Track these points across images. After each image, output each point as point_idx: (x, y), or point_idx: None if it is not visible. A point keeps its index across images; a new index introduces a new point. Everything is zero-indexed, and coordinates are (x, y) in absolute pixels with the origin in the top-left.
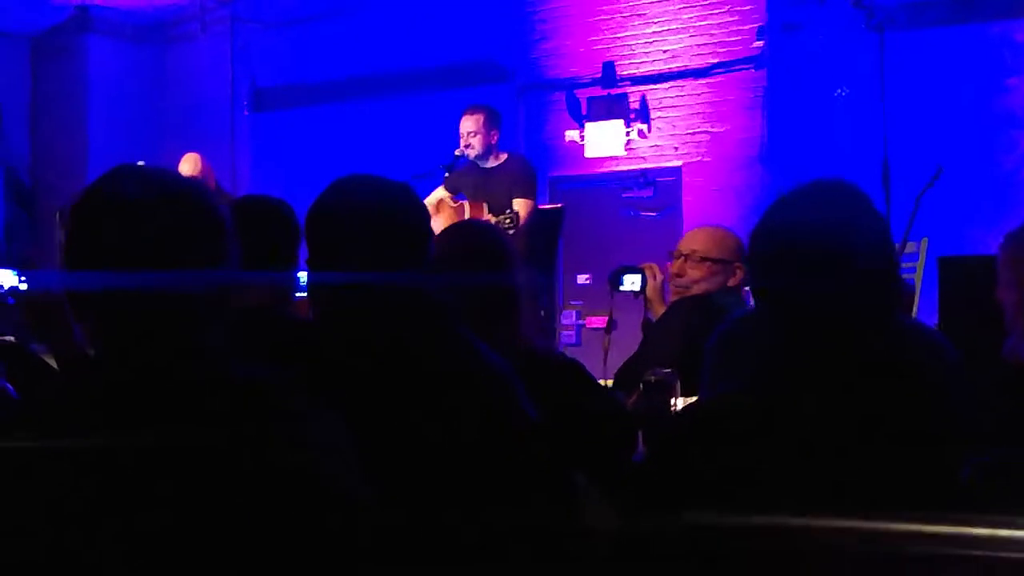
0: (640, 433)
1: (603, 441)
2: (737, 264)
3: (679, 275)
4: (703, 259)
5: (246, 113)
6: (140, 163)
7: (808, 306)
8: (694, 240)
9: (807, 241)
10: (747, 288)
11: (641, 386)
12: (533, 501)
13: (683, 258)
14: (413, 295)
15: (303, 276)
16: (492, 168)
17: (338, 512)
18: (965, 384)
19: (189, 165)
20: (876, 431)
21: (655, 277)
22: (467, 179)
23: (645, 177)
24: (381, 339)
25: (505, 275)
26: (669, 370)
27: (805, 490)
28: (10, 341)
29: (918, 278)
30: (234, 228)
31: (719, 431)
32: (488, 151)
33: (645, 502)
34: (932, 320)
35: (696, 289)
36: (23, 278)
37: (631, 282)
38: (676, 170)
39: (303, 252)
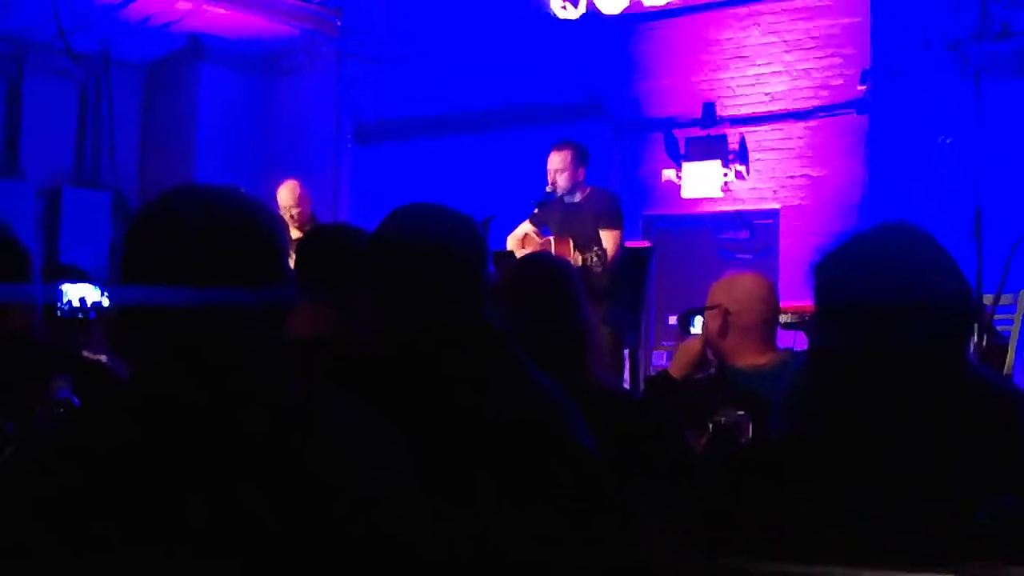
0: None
1: (667, 479)
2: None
3: None
4: None
5: (349, 146)
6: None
7: (867, 354)
8: None
9: (871, 287)
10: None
11: (711, 427)
12: (591, 534)
13: None
14: (471, 324)
15: None
16: (577, 203)
17: (392, 535)
18: None
19: (287, 192)
20: (934, 482)
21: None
22: (553, 214)
23: (742, 219)
24: (437, 367)
25: (571, 310)
26: (741, 412)
27: (861, 538)
28: (98, 359)
29: (1015, 331)
30: (309, 255)
31: (777, 474)
32: (574, 187)
33: (706, 540)
34: None
35: None
36: (106, 293)
37: (700, 324)
38: (774, 212)
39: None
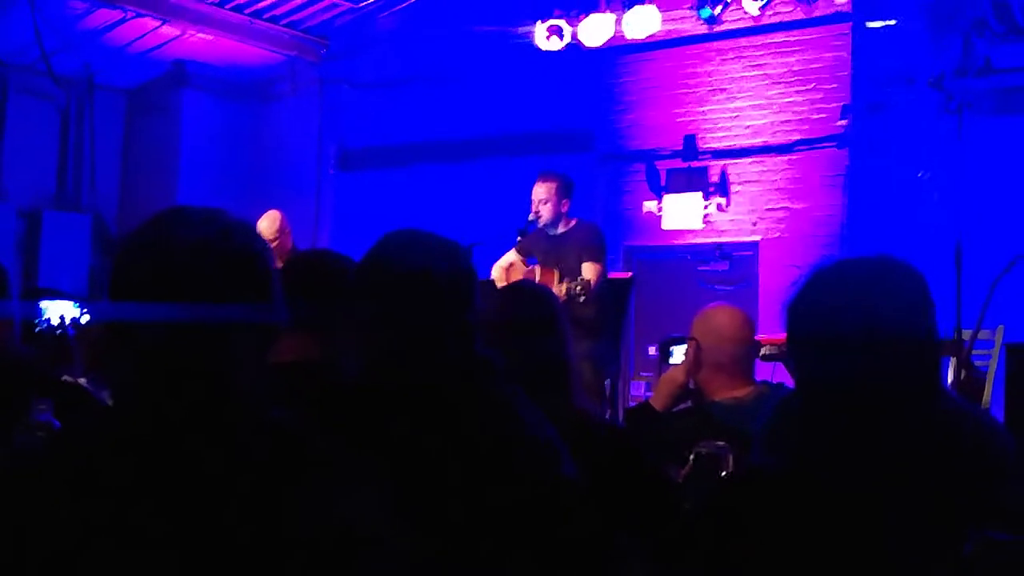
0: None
1: (648, 510)
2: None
3: None
4: None
5: (332, 172)
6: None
7: (842, 385)
8: None
9: (843, 319)
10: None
11: (692, 457)
12: (573, 565)
13: None
14: (462, 354)
15: None
16: (561, 234)
17: (371, 566)
18: (1013, 470)
19: (268, 222)
20: (907, 512)
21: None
22: (538, 244)
23: (722, 250)
24: (424, 394)
25: (555, 340)
26: (722, 444)
27: (837, 568)
28: (75, 382)
29: (992, 366)
30: (292, 281)
31: (756, 505)
32: (557, 219)
33: (686, 570)
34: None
35: None
36: (84, 310)
37: (681, 352)
38: (753, 245)
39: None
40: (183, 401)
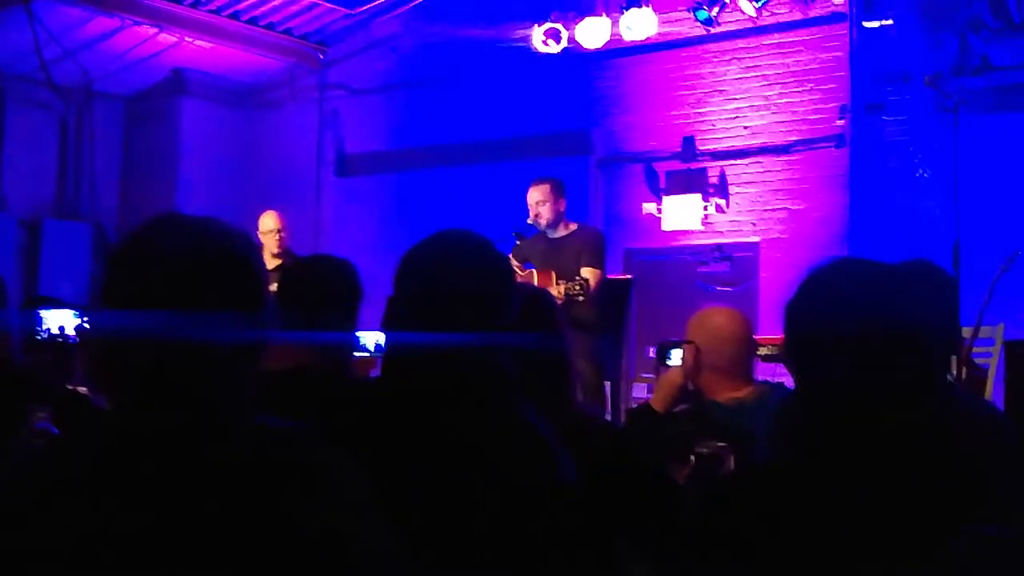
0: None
1: (649, 510)
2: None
3: None
4: None
5: (331, 178)
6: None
7: (841, 384)
8: None
9: (842, 319)
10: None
11: (693, 458)
12: (573, 567)
13: None
14: (480, 360)
15: (362, 336)
16: (561, 238)
17: (365, 569)
18: (1018, 462)
19: (271, 218)
20: (913, 507)
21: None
22: (535, 248)
23: (721, 251)
24: (438, 400)
25: (553, 340)
26: (723, 444)
27: (847, 566)
28: (75, 390)
29: (993, 363)
30: (293, 286)
31: (757, 505)
32: (557, 220)
33: (687, 570)
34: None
35: None
36: (85, 319)
37: (678, 356)
38: (754, 246)
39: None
40: (175, 408)
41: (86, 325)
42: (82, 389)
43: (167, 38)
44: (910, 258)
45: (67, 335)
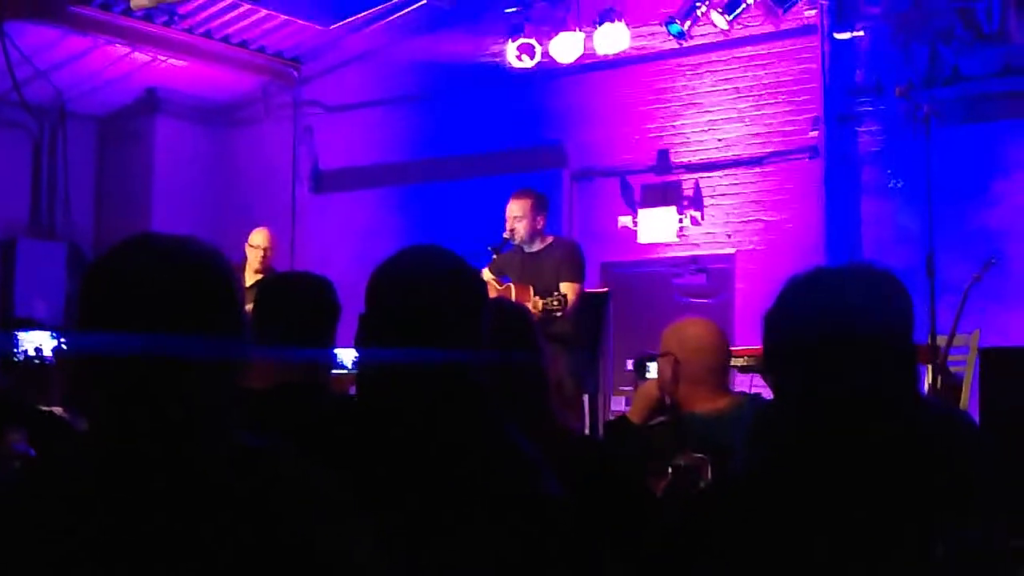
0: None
1: (628, 523)
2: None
3: None
4: None
5: (307, 195)
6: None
7: (820, 393)
8: None
9: (820, 328)
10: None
11: (670, 470)
12: None
13: None
14: (457, 376)
15: (340, 353)
16: (537, 252)
17: None
18: (992, 470)
19: (261, 235)
20: (889, 515)
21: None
22: (513, 262)
23: (697, 263)
24: (414, 417)
25: (532, 356)
26: (700, 455)
27: (819, 572)
28: (50, 411)
29: (968, 371)
30: (270, 303)
31: (735, 515)
32: (533, 236)
33: None
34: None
35: None
36: (62, 340)
37: (656, 369)
38: (729, 257)
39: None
40: (152, 429)
41: (63, 346)
42: (58, 410)
43: (140, 57)
44: (868, 267)
45: (44, 356)
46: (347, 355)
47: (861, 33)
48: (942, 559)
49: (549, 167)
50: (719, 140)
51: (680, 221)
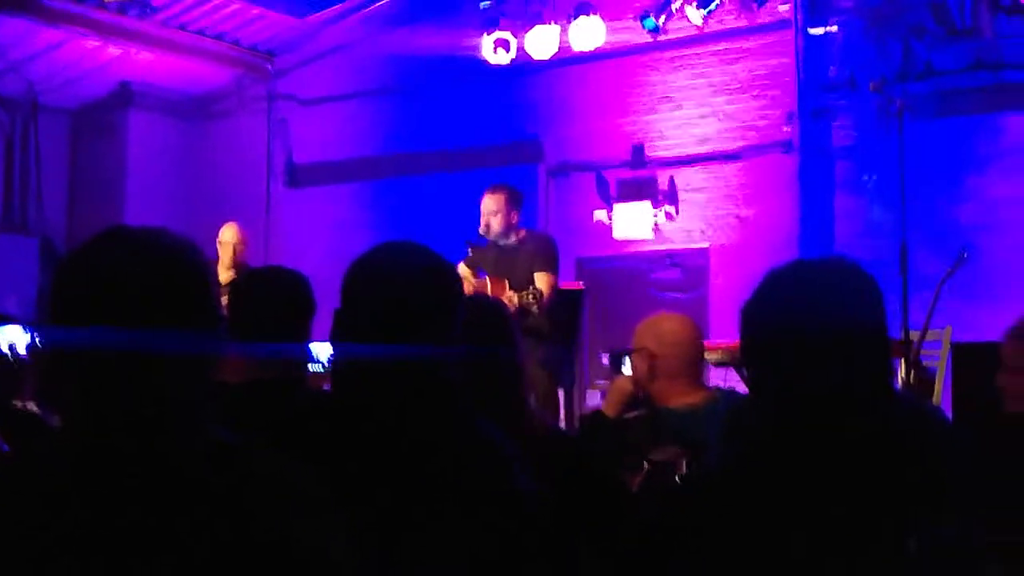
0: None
1: (603, 518)
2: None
3: None
4: None
5: (281, 188)
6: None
7: (796, 387)
8: None
9: (797, 322)
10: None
11: (646, 464)
12: None
13: None
14: (428, 372)
15: (315, 348)
16: (512, 246)
17: None
18: (967, 466)
19: (232, 230)
20: (864, 509)
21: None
22: (488, 256)
23: (672, 258)
24: (388, 413)
25: (507, 351)
26: (675, 449)
27: (794, 566)
28: (23, 407)
29: (941, 366)
30: (245, 299)
31: (710, 509)
32: (508, 230)
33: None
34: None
35: None
36: (35, 335)
37: (631, 364)
38: (704, 252)
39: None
40: (126, 424)
41: (36, 342)
42: (30, 405)
43: (113, 50)
44: (845, 261)
45: (17, 352)
46: (323, 350)
47: (835, 28)
48: (916, 554)
49: (525, 162)
50: (693, 135)
51: (655, 216)
